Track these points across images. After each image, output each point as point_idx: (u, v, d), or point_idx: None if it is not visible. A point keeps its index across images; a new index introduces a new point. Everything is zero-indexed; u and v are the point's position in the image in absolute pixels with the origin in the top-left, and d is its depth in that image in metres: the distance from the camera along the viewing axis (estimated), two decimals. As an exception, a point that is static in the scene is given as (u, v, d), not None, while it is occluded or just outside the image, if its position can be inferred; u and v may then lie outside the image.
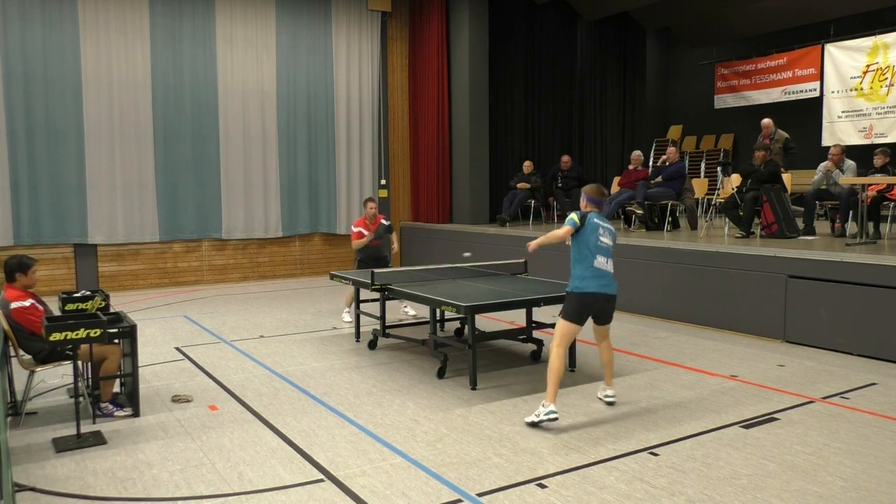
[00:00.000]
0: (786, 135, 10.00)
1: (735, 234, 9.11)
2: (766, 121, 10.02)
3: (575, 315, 5.05)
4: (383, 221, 8.71)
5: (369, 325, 7.65)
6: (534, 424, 4.87)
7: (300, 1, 12.59)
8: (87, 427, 4.86)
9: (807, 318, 7.16)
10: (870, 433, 4.72)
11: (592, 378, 6.11)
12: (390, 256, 8.86)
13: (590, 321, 5.18)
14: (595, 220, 5.11)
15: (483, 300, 5.97)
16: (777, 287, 7.39)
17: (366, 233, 8.48)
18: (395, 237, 9.00)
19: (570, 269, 5.11)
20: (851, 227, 8.68)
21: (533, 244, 5.30)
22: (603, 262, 5.07)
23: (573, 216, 5.07)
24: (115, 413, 5.19)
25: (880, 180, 8.35)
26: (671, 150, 10.82)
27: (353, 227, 8.65)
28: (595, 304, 5.08)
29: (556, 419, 4.85)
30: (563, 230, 5.06)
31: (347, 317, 8.61)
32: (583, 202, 5.24)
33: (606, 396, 5.37)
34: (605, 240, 5.10)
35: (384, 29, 13.60)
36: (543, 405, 4.87)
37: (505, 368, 6.45)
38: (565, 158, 12.82)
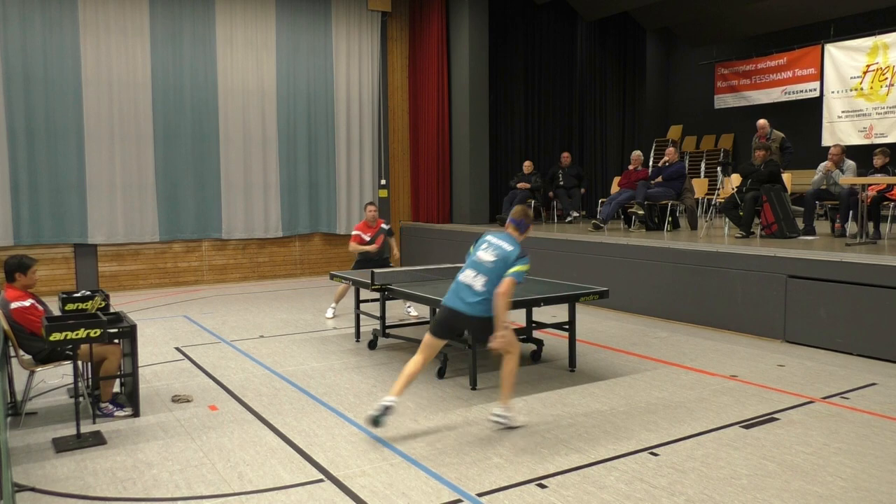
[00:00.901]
0: (782, 135, 10.00)
1: (735, 234, 9.11)
2: (762, 122, 10.02)
3: (433, 324, 4.88)
4: (383, 226, 8.86)
5: (369, 325, 7.65)
6: (380, 409, 4.61)
7: (300, 1, 12.59)
8: (87, 427, 4.86)
9: (807, 318, 7.16)
10: (870, 433, 4.72)
11: (592, 378, 6.11)
12: (391, 261, 8.93)
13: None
14: (488, 237, 4.90)
15: (483, 300, 5.95)
16: (777, 287, 7.39)
17: (365, 237, 8.68)
18: (394, 242, 9.10)
19: None
20: (851, 227, 8.68)
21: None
22: (469, 276, 4.76)
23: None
24: (115, 413, 5.19)
25: (880, 180, 8.35)
26: (671, 150, 10.83)
27: (353, 230, 8.87)
28: (448, 320, 4.77)
29: (388, 407, 4.58)
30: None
31: (330, 312, 8.89)
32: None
33: (494, 415, 4.89)
34: (484, 255, 4.77)
35: (384, 29, 13.61)
36: (386, 399, 4.67)
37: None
38: (565, 155, 12.83)
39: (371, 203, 8.98)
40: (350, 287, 7.94)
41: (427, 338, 4.88)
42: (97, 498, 3.88)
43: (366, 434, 4.79)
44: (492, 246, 4.83)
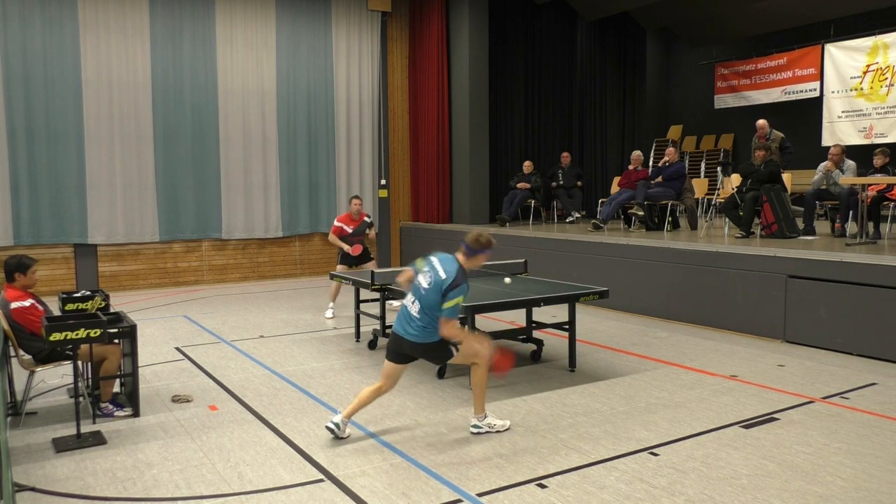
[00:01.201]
0: (781, 135, 9.99)
1: (735, 234, 9.11)
2: (761, 122, 10.02)
3: (388, 351, 4.67)
4: (366, 219, 9.07)
5: (369, 325, 7.65)
6: (329, 428, 4.64)
7: (300, 1, 12.59)
8: (87, 427, 4.86)
9: (807, 318, 7.16)
10: (870, 433, 4.72)
11: (592, 378, 6.11)
12: (367, 241, 9.20)
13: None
14: (432, 257, 4.64)
15: (483, 300, 5.97)
16: (777, 287, 7.39)
17: (347, 230, 8.88)
18: (372, 230, 9.28)
19: None
20: (851, 227, 8.68)
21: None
22: (409, 301, 4.59)
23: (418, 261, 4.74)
24: (115, 413, 5.19)
25: (880, 180, 8.36)
26: (671, 150, 10.83)
27: (335, 222, 9.01)
28: (396, 345, 4.60)
29: (336, 437, 4.59)
30: (406, 273, 4.84)
31: (330, 312, 8.94)
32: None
33: (472, 426, 4.79)
34: (422, 280, 4.54)
35: (384, 29, 13.61)
36: (338, 413, 4.69)
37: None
38: (565, 155, 12.83)
39: (356, 196, 9.17)
40: (342, 283, 8.07)
41: (386, 365, 4.67)
42: (97, 498, 3.88)
43: (366, 434, 4.79)
44: (430, 271, 4.53)
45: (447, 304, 4.40)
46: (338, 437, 4.64)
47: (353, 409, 4.68)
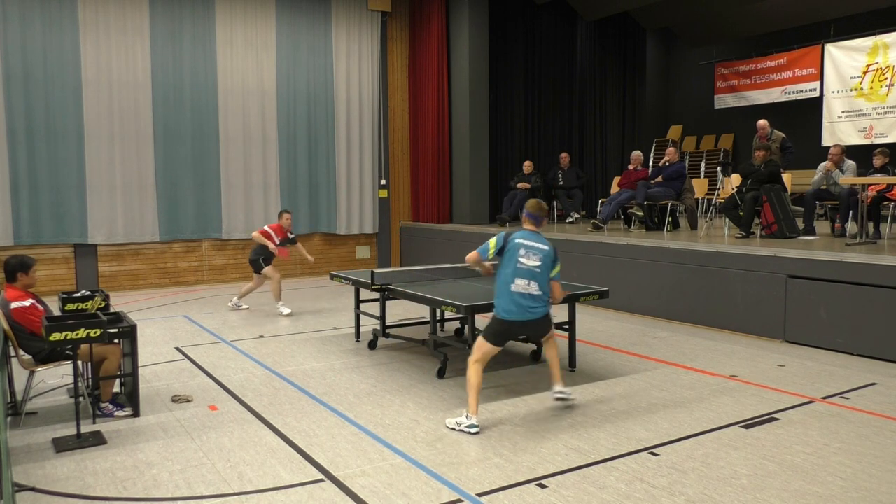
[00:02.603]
0: (782, 135, 10.00)
1: (735, 234, 9.11)
2: (762, 122, 10.02)
3: (493, 337, 4.92)
4: (289, 235, 9.40)
5: (369, 326, 7.65)
6: (453, 430, 4.81)
7: (300, 1, 12.59)
8: (87, 427, 4.86)
9: (807, 318, 7.16)
10: (870, 433, 4.72)
11: (592, 378, 6.11)
12: (310, 263, 10.00)
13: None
14: (518, 240, 4.89)
15: (483, 300, 5.95)
16: (777, 287, 7.39)
17: (276, 238, 9.15)
18: (303, 249, 9.67)
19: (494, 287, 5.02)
20: (851, 227, 8.68)
21: (468, 258, 5.20)
22: (523, 285, 4.83)
23: (490, 240, 4.98)
24: (115, 413, 5.19)
25: (880, 180, 8.36)
26: (671, 150, 10.83)
27: (267, 227, 9.28)
28: (515, 330, 4.95)
29: (476, 432, 4.72)
30: (470, 254, 5.07)
31: (285, 310, 9.14)
32: (522, 217, 5.15)
33: (557, 393, 5.20)
34: (529, 261, 4.84)
35: (384, 29, 13.61)
36: (467, 416, 4.79)
37: (505, 368, 6.45)
38: (564, 155, 12.84)
39: (287, 211, 9.52)
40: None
41: (486, 347, 4.91)
42: (97, 498, 3.88)
43: (366, 434, 4.79)
44: (531, 250, 4.87)
45: (557, 269, 5.01)
46: (473, 430, 4.74)
47: (474, 402, 4.83)
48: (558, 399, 5.22)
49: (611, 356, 6.88)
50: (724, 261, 7.96)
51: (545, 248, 4.91)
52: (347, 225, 13.26)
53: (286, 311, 9.11)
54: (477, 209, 12.93)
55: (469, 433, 4.74)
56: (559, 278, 5.04)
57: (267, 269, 9.15)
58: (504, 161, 13.95)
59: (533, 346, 6.80)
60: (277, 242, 9.13)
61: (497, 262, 5.07)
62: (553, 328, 5.18)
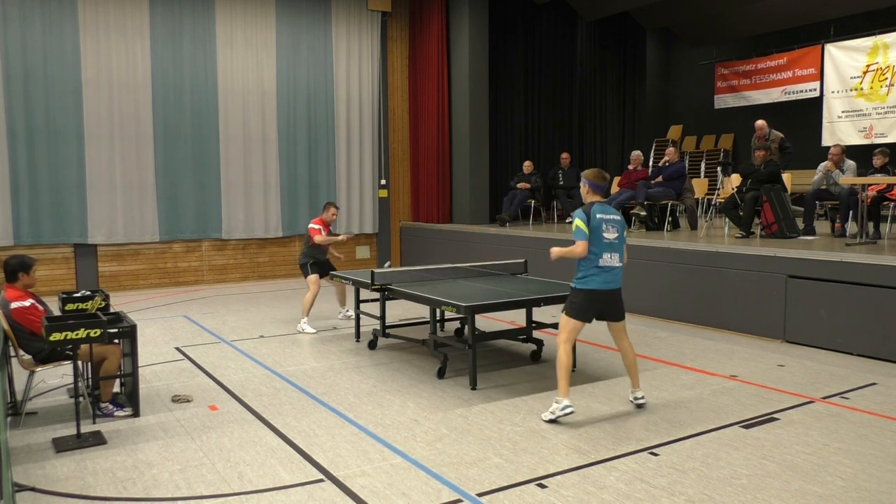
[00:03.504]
0: (781, 135, 9.99)
1: (735, 234, 9.11)
2: (760, 122, 10.01)
3: (579, 312, 5.01)
4: (330, 228, 8.79)
5: (369, 326, 7.65)
6: (552, 421, 4.93)
7: (300, 1, 12.59)
8: (87, 427, 4.86)
9: (807, 318, 7.16)
10: (870, 433, 4.72)
11: (592, 378, 6.11)
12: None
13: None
14: (598, 214, 4.99)
15: (483, 300, 5.97)
16: (777, 287, 7.39)
17: (323, 233, 8.41)
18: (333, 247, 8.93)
19: (577, 263, 5.03)
20: (851, 227, 8.68)
21: (555, 253, 5.11)
22: (608, 259, 4.98)
23: (579, 224, 4.93)
24: (115, 413, 5.20)
25: (880, 180, 8.36)
26: (671, 150, 10.82)
27: (313, 225, 8.46)
28: (599, 302, 5.03)
29: (571, 412, 4.90)
30: (580, 247, 4.92)
31: (309, 328, 8.25)
32: (584, 188, 5.14)
33: (636, 400, 5.28)
34: (610, 235, 4.99)
35: (384, 29, 13.60)
36: (557, 401, 4.93)
37: (505, 368, 6.45)
38: (564, 155, 12.83)
39: (335, 205, 8.75)
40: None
41: (572, 324, 5.00)
42: (97, 498, 3.88)
43: (366, 434, 4.79)
44: (610, 223, 5.01)
45: (626, 236, 5.20)
46: (567, 410, 4.88)
47: (565, 384, 4.94)
48: (638, 406, 5.26)
49: (611, 356, 6.88)
50: (724, 261, 7.96)
51: (618, 218, 5.10)
52: (347, 225, 13.26)
53: (310, 329, 8.18)
54: (477, 209, 12.93)
55: (565, 414, 4.88)
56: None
57: (310, 278, 8.28)
58: (504, 161, 13.95)
59: (533, 346, 6.80)
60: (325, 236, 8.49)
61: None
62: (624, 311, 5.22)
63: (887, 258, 6.61)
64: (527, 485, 3.96)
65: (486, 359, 6.72)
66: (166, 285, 11.82)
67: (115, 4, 11.08)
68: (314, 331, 8.22)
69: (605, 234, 4.97)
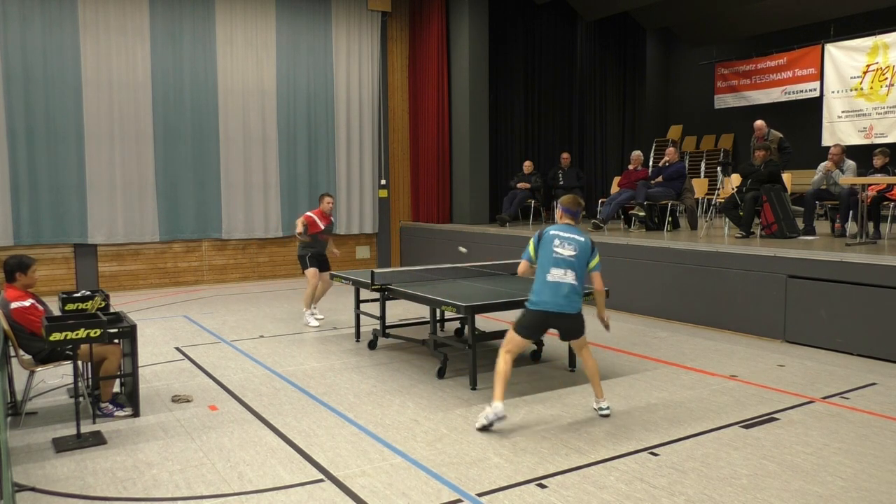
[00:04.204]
0: (780, 135, 9.98)
1: (735, 234, 9.11)
2: (759, 122, 10.01)
3: (523, 330, 4.94)
4: (333, 220, 8.84)
5: (369, 326, 7.65)
6: (484, 428, 4.79)
7: (300, 1, 12.59)
8: (87, 427, 4.86)
9: (807, 318, 7.16)
10: (870, 433, 4.72)
11: (592, 378, 6.11)
12: (336, 256, 8.92)
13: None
14: (553, 231, 4.94)
15: (483, 300, 5.97)
16: (777, 287, 7.39)
17: (320, 225, 8.44)
18: (331, 240, 8.88)
19: None
20: (851, 227, 8.68)
21: (520, 271, 5.16)
22: (559, 275, 4.83)
23: (529, 243, 5.02)
24: (115, 413, 5.19)
25: (880, 180, 8.36)
26: (671, 150, 10.82)
27: (309, 213, 8.52)
28: (549, 322, 4.91)
29: (503, 417, 4.77)
30: (521, 265, 5.05)
31: (313, 321, 8.43)
32: (557, 211, 5.17)
33: (600, 410, 5.10)
34: (564, 251, 4.86)
35: (384, 29, 13.61)
36: (491, 405, 4.79)
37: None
38: (565, 156, 12.83)
39: (329, 195, 8.79)
40: (322, 285, 8.17)
41: (516, 339, 4.95)
42: (97, 498, 3.88)
43: (366, 434, 4.79)
44: (565, 240, 4.89)
45: (596, 260, 4.96)
46: (499, 414, 4.77)
47: (500, 390, 4.86)
48: (602, 416, 5.09)
49: (611, 356, 6.88)
50: (724, 261, 7.96)
51: (581, 238, 4.92)
52: (347, 225, 13.26)
53: (314, 322, 8.38)
54: (477, 209, 12.93)
55: (499, 422, 4.78)
56: (599, 269, 5.00)
57: (308, 272, 8.39)
58: (504, 161, 13.96)
59: (533, 346, 6.79)
60: (322, 229, 8.52)
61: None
62: (585, 334, 5.02)
63: (887, 258, 6.61)
64: (527, 485, 3.96)
65: (486, 359, 6.71)
66: (166, 285, 11.82)
67: (115, 4, 11.08)
68: (317, 323, 8.38)
69: (557, 249, 4.87)
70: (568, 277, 4.82)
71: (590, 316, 5.12)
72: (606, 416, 5.07)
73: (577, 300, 4.88)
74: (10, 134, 10.45)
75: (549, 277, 4.84)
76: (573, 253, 4.86)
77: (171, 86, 11.56)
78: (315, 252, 8.50)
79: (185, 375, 6.32)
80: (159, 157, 11.54)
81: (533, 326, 4.95)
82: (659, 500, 3.75)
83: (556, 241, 4.89)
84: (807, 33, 13.77)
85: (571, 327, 4.96)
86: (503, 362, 4.91)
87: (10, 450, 4.19)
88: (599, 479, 4.03)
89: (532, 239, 5.01)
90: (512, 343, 4.96)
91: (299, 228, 8.30)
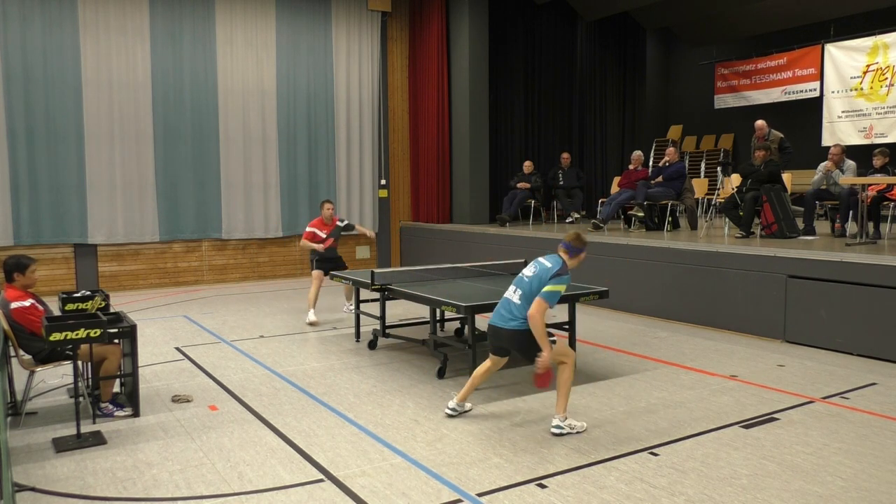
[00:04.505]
0: (780, 135, 9.98)
1: (735, 234, 9.11)
2: (760, 122, 10.01)
3: (489, 345, 5.01)
4: (339, 223, 9.07)
5: (369, 326, 7.65)
6: (450, 415, 5.05)
7: (300, 1, 12.59)
8: (87, 427, 4.86)
9: (807, 318, 7.16)
10: (870, 433, 4.72)
11: (592, 378, 6.11)
12: (372, 239, 9.57)
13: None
14: (540, 258, 4.85)
15: (483, 300, 5.97)
16: (777, 287, 7.39)
17: (321, 234, 8.83)
18: (360, 226, 9.48)
19: None
20: (851, 227, 8.68)
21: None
22: (510, 292, 4.83)
23: (560, 290, 4.64)
24: (115, 413, 5.19)
25: (880, 180, 8.36)
26: (671, 150, 10.82)
27: (307, 227, 8.97)
28: (491, 336, 4.92)
29: (449, 415, 5.03)
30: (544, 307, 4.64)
31: (311, 316, 8.60)
32: (561, 251, 4.83)
33: (551, 426, 4.71)
34: (526, 270, 4.83)
35: (384, 29, 13.60)
36: (454, 398, 5.09)
37: (505, 368, 6.41)
38: (565, 156, 12.83)
39: (328, 201, 9.12)
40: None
41: (491, 357, 5.02)
42: (97, 498, 3.88)
43: (366, 434, 4.79)
44: (536, 263, 4.80)
45: (547, 288, 4.56)
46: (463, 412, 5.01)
47: (466, 392, 5.06)
48: (555, 434, 4.68)
49: (611, 356, 6.88)
50: (724, 261, 7.96)
51: (547, 265, 4.68)
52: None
53: (311, 317, 8.55)
54: (477, 209, 12.93)
55: (452, 415, 5.03)
56: (548, 299, 4.52)
57: (313, 273, 8.76)
58: (504, 161, 13.95)
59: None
60: (324, 237, 8.83)
61: None
62: (542, 356, 4.53)
63: (887, 258, 6.61)
64: (527, 485, 3.96)
65: (486, 359, 6.71)
66: (166, 285, 11.82)
67: (115, 4, 11.08)
68: (315, 318, 8.57)
69: (523, 270, 4.89)
70: (514, 296, 4.75)
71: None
72: (556, 433, 4.67)
73: (517, 321, 4.65)
74: (10, 134, 10.45)
75: (505, 293, 4.89)
76: (530, 274, 4.73)
77: (171, 86, 11.56)
78: (322, 256, 8.83)
79: (185, 375, 6.32)
80: (159, 157, 11.54)
81: (490, 340, 4.97)
82: (659, 500, 3.75)
83: (532, 263, 4.87)
84: (807, 33, 13.77)
85: (519, 346, 4.69)
86: (482, 365, 5.07)
87: (10, 450, 4.19)
88: (599, 479, 4.03)
89: (564, 284, 4.69)
90: (491, 360, 5.06)
91: (315, 247, 8.80)
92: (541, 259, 4.84)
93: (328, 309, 9.47)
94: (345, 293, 9.25)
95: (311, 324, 8.51)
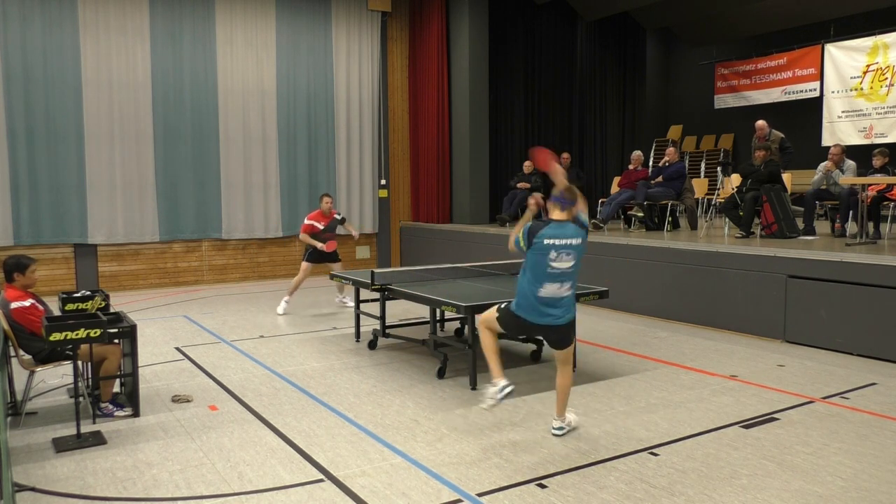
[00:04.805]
0: (781, 135, 9.99)
1: (735, 234, 9.11)
2: (760, 122, 10.01)
3: (506, 326, 4.65)
4: (336, 216, 9.27)
5: (369, 326, 7.65)
6: (493, 405, 4.48)
7: (300, 1, 12.59)
8: (87, 427, 4.86)
9: (807, 318, 7.16)
10: (870, 433, 4.72)
11: (592, 378, 6.11)
12: (356, 239, 9.95)
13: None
14: (547, 240, 4.35)
15: (483, 300, 5.96)
16: (777, 287, 7.39)
17: (319, 226, 9.04)
18: (350, 226, 9.71)
19: (517, 285, 4.57)
20: (851, 227, 8.68)
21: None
22: (554, 290, 4.40)
23: (521, 234, 4.46)
24: (115, 413, 5.19)
25: (880, 180, 8.36)
26: (671, 150, 10.82)
27: (306, 220, 9.21)
28: (533, 331, 4.66)
29: (512, 390, 4.42)
30: (511, 244, 4.55)
31: (281, 308, 9.09)
32: (549, 204, 4.54)
33: (552, 428, 4.71)
34: (561, 264, 4.36)
35: (384, 29, 13.60)
36: (493, 383, 4.43)
37: (505, 368, 6.40)
38: (565, 156, 12.82)
39: (327, 194, 9.37)
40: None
41: (495, 326, 4.65)
42: (97, 498, 3.88)
43: (366, 434, 4.79)
44: (565, 250, 4.35)
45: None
46: (506, 390, 4.41)
47: (496, 366, 4.53)
48: (556, 435, 4.67)
49: (611, 356, 6.88)
50: (724, 261, 7.96)
51: (576, 241, 4.38)
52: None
53: (281, 309, 9.07)
54: (477, 209, 12.93)
55: (507, 397, 4.39)
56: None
57: (303, 265, 9.14)
58: (504, 161, 13.94)
59: (533, 346, 6.79)
60: (322, 228, 9.08)
61: None
62: (574, 342, 4.66)
63: (887, 258, 6.61)
64: (527, 485, 3.96)
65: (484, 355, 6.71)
66: (166, 285, 11.82)
67: (115, 4, 11.08)
68: (282, 311, 9.06)
69: (553, 263, 4.35)
70: (563, 290, 4.43)
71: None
72: (557, 435, 4.67)
73: (570, 312, 4.53)
74: (10, 134, 10.45)
75: (542, 293, 4.40)
76: (571, 264, 4.39)
77: (171, 86, 11.56)
78: (315, 250, 9.05)
79: (185, 375, 6.32)
80: (159, 157, 11.54)
81: (514, 330, 4.73)
82: (659, 500, 3.75)
83: (553, 254, 4.34)
84: (807, 33, 13.77)
85: (562, 339, 4.57)
86: (484, 336, 4.70)
87: (10, 450, 4.19)
88: (599, 479, 4.03)
89: (523, 231, 4.47)
90: (487, 323, 4.71)
91: (319, 246, 8.99)
92: (559, 242, 4.34)
93: (328, 308, 9.47)
94: (336, 285, 9.37)
95: (283, 315, 8.93)
